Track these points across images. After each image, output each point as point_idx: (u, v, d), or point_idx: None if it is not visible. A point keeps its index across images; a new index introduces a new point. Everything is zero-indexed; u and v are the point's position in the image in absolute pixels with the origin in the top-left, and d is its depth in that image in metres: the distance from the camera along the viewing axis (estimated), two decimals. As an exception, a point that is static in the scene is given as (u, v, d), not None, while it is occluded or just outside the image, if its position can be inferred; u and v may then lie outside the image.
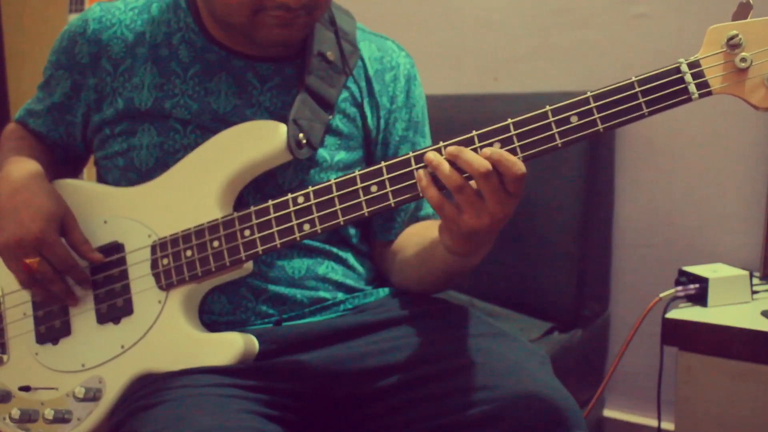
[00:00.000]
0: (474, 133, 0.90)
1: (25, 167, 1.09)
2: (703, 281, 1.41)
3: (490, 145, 0.89)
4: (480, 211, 0.88)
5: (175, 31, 1.10)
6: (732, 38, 0.85)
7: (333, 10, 1.14)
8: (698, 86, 0.86)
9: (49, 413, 1.04)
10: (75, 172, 1.24)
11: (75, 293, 1.07)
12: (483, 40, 1.90)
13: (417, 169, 0.92)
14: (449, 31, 1.94)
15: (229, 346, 0.98)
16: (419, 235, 1.10)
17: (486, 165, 0.85)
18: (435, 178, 0.89)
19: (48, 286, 1.04)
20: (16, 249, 1.02)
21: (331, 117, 1.09)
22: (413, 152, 0.92)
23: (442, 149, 0.90)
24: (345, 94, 1.13)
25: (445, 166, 0.87)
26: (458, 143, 0.90)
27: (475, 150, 0.89)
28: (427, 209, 1.19)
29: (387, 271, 1.18)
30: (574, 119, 0.88)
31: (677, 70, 0.87)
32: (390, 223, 1.16)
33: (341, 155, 1.11)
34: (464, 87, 1.93)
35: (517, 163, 0.85)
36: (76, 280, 1.06)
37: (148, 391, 0.96)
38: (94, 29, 1.11)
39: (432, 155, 0.89)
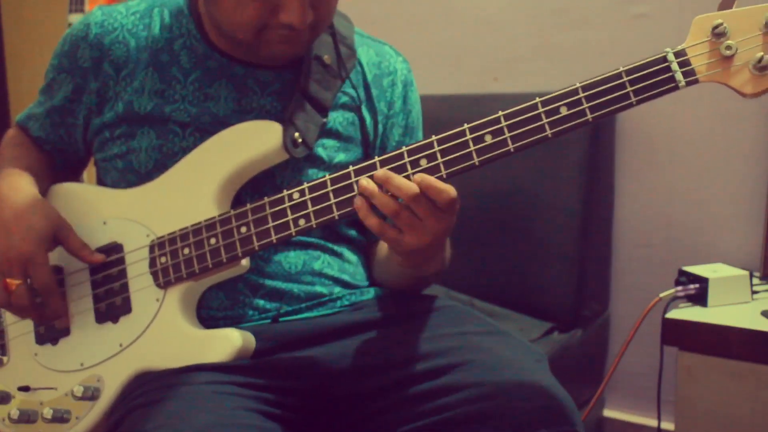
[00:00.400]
0: (465, 126, 0.91)
1: (17, 183, 1.09)
2: (703, 281, 1.41)
3: (417, 162, 0.91)
4: (420, 230, 0.90)
5: (176, 36, 1.10)
6: (717, 27, 0.86)
7: None
8: (685, 74, 0.87)
9: (48, 413, 1.04)
10: (75, 175, 1.24)
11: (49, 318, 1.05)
12: (483, 40, 1.90)
13: (355, 195, 0.93)
14: (449, 31, 1.94)
15: (226, 343, 0.99)
16: None
17: (414, 189, 0.87)
18: (373, 205, 0.91)
19: (20, 312, 1.05)
20: (3, 266, 1.02)
21: (325, 120, 1.09)
22: (406, 147, 0.93)
23: (377, 164, 0.92)
24: (344, 98, 1.13)
25: (379, 194, 0.89)
26: (390, 158, 0.92)
27: (405, 166, 0.91)
28: None
29: (372, 268, 1.19)
30: (563, 110, 0.89)
31: (664, 59, 0.88)
32: None
33: (340, 157, 1.12)
34: (464, 87, 1.93)
35: (444, 191, 0.87)
36: (52, 308, 1.03)
37: (146, 389, 0.96)
38: (96, 33, 1.11)
39: (365, 182, 0.90)
